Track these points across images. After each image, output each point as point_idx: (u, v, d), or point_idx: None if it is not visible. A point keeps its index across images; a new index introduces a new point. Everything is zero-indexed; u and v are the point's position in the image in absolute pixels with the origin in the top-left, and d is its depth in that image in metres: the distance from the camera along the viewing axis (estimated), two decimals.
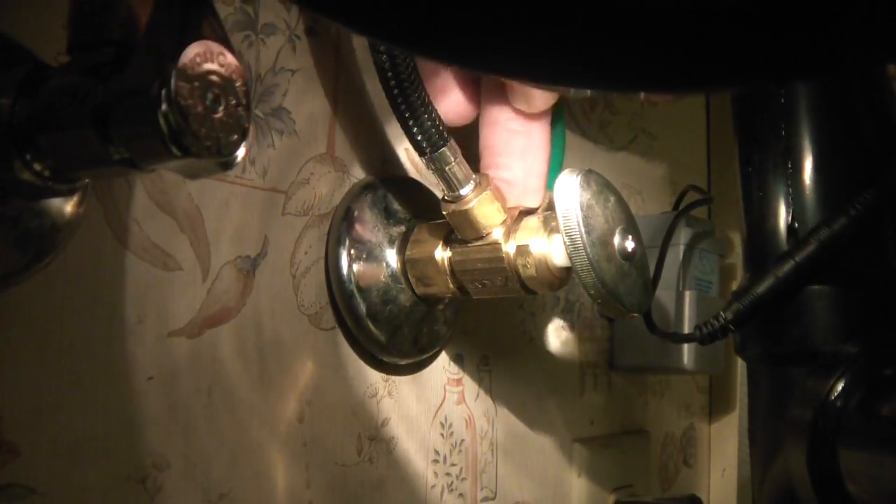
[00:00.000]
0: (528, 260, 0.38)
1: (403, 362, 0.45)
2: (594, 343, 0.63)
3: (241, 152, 0.24)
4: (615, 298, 0.37)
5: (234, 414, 0.37)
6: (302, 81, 0.41)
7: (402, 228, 0.43)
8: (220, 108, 0.24)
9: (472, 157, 0.51)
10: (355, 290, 0.41)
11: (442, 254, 0.41)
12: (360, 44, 0.44)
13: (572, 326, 0.61)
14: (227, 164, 0.24)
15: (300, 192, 0.41)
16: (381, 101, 0.43)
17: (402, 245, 0.43)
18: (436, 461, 0.48)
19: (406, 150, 0.47)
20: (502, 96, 0.39)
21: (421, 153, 0.37)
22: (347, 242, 0.41)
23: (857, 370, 0.41)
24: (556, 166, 0.51)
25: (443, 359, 0.49)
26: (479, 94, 0.40)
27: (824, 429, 0.41)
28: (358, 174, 0.44)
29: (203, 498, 0.36)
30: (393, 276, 0.42)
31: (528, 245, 0.38)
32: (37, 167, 0.26)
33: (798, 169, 0.45)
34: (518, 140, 0.39)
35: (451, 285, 0.41)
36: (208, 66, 0.23)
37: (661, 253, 0.58)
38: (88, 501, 0.31)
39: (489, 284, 0.40)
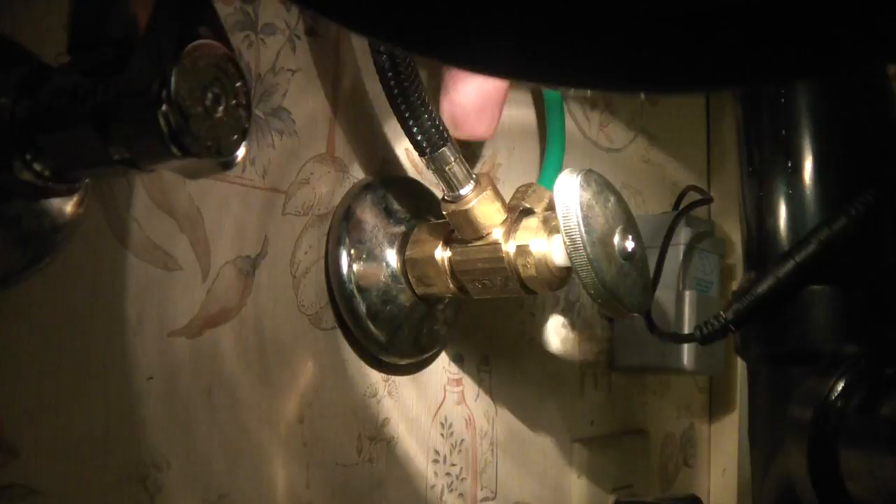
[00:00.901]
0: (528, 260, 0.38)
1: (403, 362, 0.45)
2: (594, 343, 0.63)
3: (241, 152, 0.24)
4: (615, 298, 0.37)
5: (235, 414, 0.37)
6: (302, 81, 0.41)
7: (402, 228, 0.43)
8: (220, 108, 0.24)
9: (472, 157, 0.51)
10: (355, 290, 0.41)
11: (442, 254, 0.41)
12: (360, 44, 0.44)
13: (572, 326, 0.61)
14: (227, 164, 0.24)
15: (300, 192, 0.41)
16: (381, 101, 0.43)
17: (402, 245, 0.43)
18: (436, 461, 0.48)
19: (406, 150, 0.47)
20: None
21: (421, 153, 0.37)
22: (347, 242, 0.41)
23: (857, 370, 0.41)
24: (556, 166, 0.51)
25: (443, 359, 0.49)
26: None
27: (824, 429, 0.41)
28: (358, 174, 0.44)
29: (203, 498, 0.36)
30: (393, 276, 0.42)
31: (528, 245, 0.38)
32: (37, 167, 0.26)
33: (798, 169, 0.45)
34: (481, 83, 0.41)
35: (451, 285, 0.41)
36: (208, 66, 0.23)
37: (661, 253, 0.58)
38: (88, 501, 0.31)
39: (489, 284, 0.40)
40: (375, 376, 0.44)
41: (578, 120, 0.62)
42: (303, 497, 0.40)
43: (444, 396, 0.49)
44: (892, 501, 0.39)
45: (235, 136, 0.24)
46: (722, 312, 0.45)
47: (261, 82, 0.39)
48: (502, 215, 0.39)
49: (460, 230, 0.40)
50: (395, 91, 0.35)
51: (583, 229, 0.36)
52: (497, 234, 0.39)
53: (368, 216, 0.42)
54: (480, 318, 0.52)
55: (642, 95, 0.64)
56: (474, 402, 0.51)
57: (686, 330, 0.60)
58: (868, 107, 0.46)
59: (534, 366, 0.57)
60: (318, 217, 0.42)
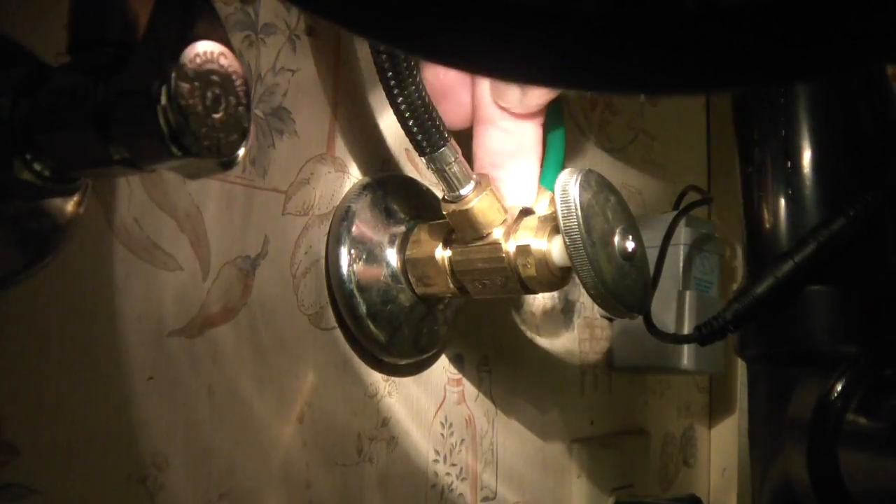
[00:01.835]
0: (528, 260, 0.38)
1: (403, 362, 0.45)
2: (594, 343, 0.63)
3: (241, 152, 0.24)
4: (615, 298, 0.37)
5: (234, 413, 0.37)
6: (302, 81, 0.41)
7: (402, 228, 0.43)
8: (220, 108, 0.24)
9: (472, 157, 0.51)
10: (355, 290, 0.41)
11: (442, 254, 0.41)
12: (360, 44, 0.44)
13: (572, 326, 0.61)
14: (227, 164, 0.24)
15: (300, 192, 0.41)
16: (381, 101, 0.43)
17: (402, 245, 0.43)
18: (436, 461, 0.48)
19: (406, 150, 0.47)
20: (497, 95, 0.39)
21: (421, 153, 0.37)
22: (347, 242, 0.41)
23: (857, 370, 0.41)
24: (555, 166, 0.51)
25: (443, 359, 0.49)
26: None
27: (824, 429, 0.41)
28: (358, 174, 0.44)
29: (203, 497, 0.36)
30: (393, 276, 0.42)
31: (528, 245, 0.38)
32: (37, 167, 0.26)
33: (798, 169, 0.45)
34: (511, 140, 0.40)
35: (451, 285, 0.41)
36: (208, 65, 0.23)
37: (661, 253, 0.58)
38: (88, 501, 0.31)
39: (489, 284, 0.40)
40: (375, 376, 0.44)
41: (578, 120, 0.62)
42: (303, 497, 0.40)
43: (444, 396, 0.49)
44: (892, 501, 0.39)
45: (235, 136, 0.24)
46: (721, 313, 0.45)
47: (261, 82, 0.39)
48: (502, 215, 0.39)
49: (460, 230, 0.40)
50: (395, 91, 0.35)
51: (583, 229, 0.36)
52: (497, 234, 0.39)
53: (368, 216, 0.42)
54: (480, 318, 0.52)
55: (642, 96, 0.64)
56: (474, 402, 0.51)
57: (686, 330, 0.60)
58: (868, 107, 0.46)
59: (534, 366, 0.57)
60: (318, 217, 0.42)
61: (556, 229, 0.38)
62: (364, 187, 0.43)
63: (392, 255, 0.42)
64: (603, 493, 0.62)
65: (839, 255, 0.43)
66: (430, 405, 0.48)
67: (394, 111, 0.36)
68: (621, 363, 0.64)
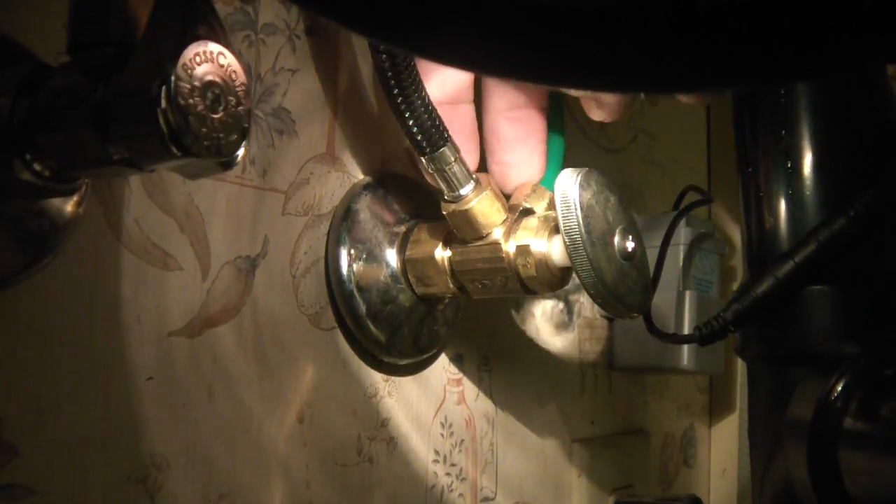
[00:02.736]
0: (528, 260, 0.38)
1: (403, 362, 0.45)
2: (594, 343, 0.63)
3: (241, 152, 0.24)
4: (615, 298, 0.37)
5: (235, 414, 0.37)
6: (302, 81, 0.41)
7: (402, 228, 0.43)
8: (220, 108, 0.24)
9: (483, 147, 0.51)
10: (355, 290, 0.41)
11: (442, 254, 0.41)
12: (360, 44, 0.44)
13: (572, 326, 0.61)
14: (227, 164, 0.24)
15: (300, 192, 0.41)
16: (381, 101, 0.43)
17: (402, 245, 0.43)
18: (436, 461, 0.48)
19: (406, 150, 0.47)
20: (503, 87, 0.42)
21: (421, 153, 0.37)
22: (347, 242, 0.41)
23: (857, 370, 0.41)
24: (555, 166, 0.51)
25: (443, 359, 0.49)
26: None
27: (824, 429, 0.41)
28: (358, 174, 0.44)
29: (203, 497, 0.36)
30: (393, 276, 0.42)
31: (528, 245, 0.38)
32: (37, 167, 0.26)
33: (798, 169, 0.45)
34: (519, 127, 0.42)
35: (451, 285, 0.41)
36: (208, 65, 0.23)
37: (661, 253, 0.58)
38: (88, 501, 0.31)
39: (489, 284, 0.40)
40: (375, 376, 0.44)
41: (578, 120, 0.62)
42: (303, 497, 0.40)
43: (444, 396, 0.49)
44: (892, 502, 0.39)
45: (235, 136, 0.24)
46: (721, 313, 0.45)
47: (261, 82, 0.39)
48: (502, 215, 0.39)
49: (460, 230, 0.40)
50: (395, 91, 0.35)
51: (583, 229, 0.36)
52: (497, 234, 0.39)
53: (368, 216, 0.42)
54: (480, 318, 0.52)
55: (642, 95, 0.64)
56: (474, 402, 0.51)
57: (686, 330, 0.60)
58: (868, 107, 0.46)
59: (534, 366, 0.57)
60: (318, 217, 0.42)
61: (556, 229, 0.38)
62: (364, 187, 0.43)
63: (392, 255, 0.42)
64: (603, 493, 0.62)
65: (839, 256, 0.43)
66: (429, 405, 0.48)
67: (393, 111, 0.36)
68: (621, 363, 0.64)
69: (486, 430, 0.52)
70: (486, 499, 0.52)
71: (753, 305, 0.44)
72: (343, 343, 0.43)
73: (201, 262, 0.36)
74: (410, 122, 0.36)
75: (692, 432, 0.77)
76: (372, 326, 0.41)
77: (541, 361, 0.57)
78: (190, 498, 0.35)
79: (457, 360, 0.50)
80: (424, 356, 0.46)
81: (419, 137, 0.36)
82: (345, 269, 0.41)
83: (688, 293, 0.61)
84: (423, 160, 0.37)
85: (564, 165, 0.43)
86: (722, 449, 0.80)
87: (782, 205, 0.45)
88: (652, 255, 0.54)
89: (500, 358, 0.53)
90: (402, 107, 0.35)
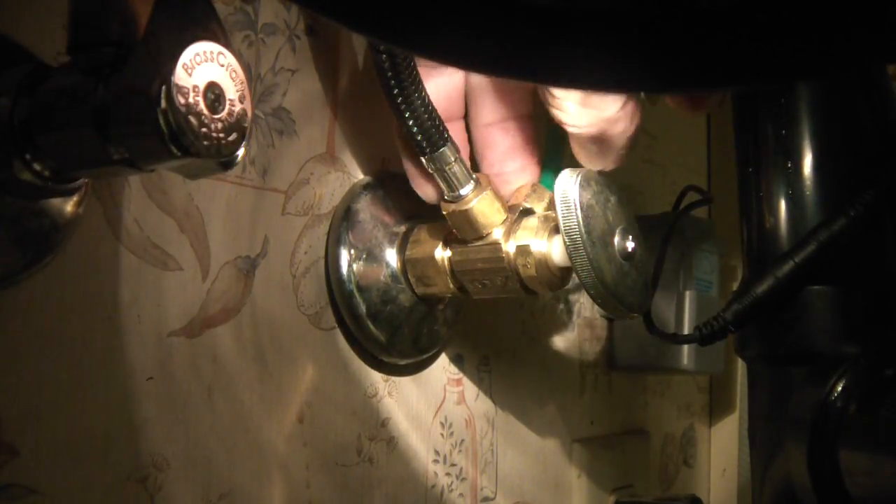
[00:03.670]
0: (528, 260, 0.38)
1: (403, 362, 0.45)
2: (594, 343, 0.63)
3: (240, 152, 0.24)
4: (615, 298, 0.37)
5: (234, 414, 0.37)
6: (302, 81, 0.41)
7: (402, 228, 0.43)
8: (220, 108, 0.24)
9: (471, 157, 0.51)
10: (355, 290, 0.41)
11: (442, 254, 0.41)
12: (360, 44, 0.44)
13: (572, 326, 0.61)
14: (227, 163, 0.24)
15: (300, 192, 0.41)
16: (381, 101, 0.42)
17: (402, 245, 0.43)
18: (436, 461, 0.48)
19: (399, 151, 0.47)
20: (492, 98, 0.41)
21: (421, 153, 0.37)
22: (347, 242, 0.41)
23: (857, 370, 0.41)
24: (555, 166, 0.51)
25: (443, 359, 0.49)
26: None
27: (824, 429, 0.41)
28: (358, 174, 0.44)
29: (203, 498, 0.36)
30: (393, 276, 0.42)
31: (528, 245, 0.38)
32: (37, 167, 0.26)
33: (798, 169, 0.45)
34: (515, 136, 0.42)
35: (451, 285, 0.41)
36: (208, 66, 0.23)
37: (661, 253, 0.58)
38: (88, 501, 0.31)
39: (489, 284, 0.40)
40: (375, 376, 0.44)
41: None
42: (303, 497, 0.40)
43: (444, 396, 0.49)
44: (892, 501, 0.39)
45: (235, 136, 0.24)
46: (721, 313, 0.45)
47: (261, 82, 0.39)
48: (502, 215, 0.39)
49: (460, 230, 0.40)
50: (395, 91, 0.35)
51: (583, 229, 0.36)
52: (497, 234, 0.39)
53: (368, 216, 0.42)
54: (480, 318, 0.52)
55: (642, 95, 0.64)
56: (474, 402, 0.51)
57: (686, 330, 0.60)
58: (868, 107, 0.46)
59: (534, 366, 0.57)
60: (318, 217, 0.42)
61: (556, 229, 0.38)
62: (364, 187, 0.43)
63: (392, 255, 0.42)
64: (603, 493, 0.62)
65: (839, 256, 0.43)
66: (429, 405, 0.48)
67: (393, 111, 0.36)
68: (621, 363, 0.64)
69: (486, 430, 0.52)
70: (486, 499, 0.52)
71: (753, 305, 0.44)
72: (343, 343, 0.43)
73: (201, 262, 0.36)
74: (410, 122, 0.36)
75: (692, 432, 0.77)
76: (372, 326, 0.41)
77: (541, 361, 0.57)
78: (190, 498, 0.35)
79: (457, 360, 0.50)
80: (424, 356, 0.46)
81: (419, 137, 0.36)
82: (345, 269, 0.41)
83: (688, 293, 0.61)
84: (423, 160, 0.37)
85: (564, 165, 0.43)
86: (722, 449, 0.80)
87: (782, 205, 0.45)
88: (652, 255, 0.54)
89: (500, 358, 0.53)
90: (402, 107, 0.35)
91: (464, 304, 0.48)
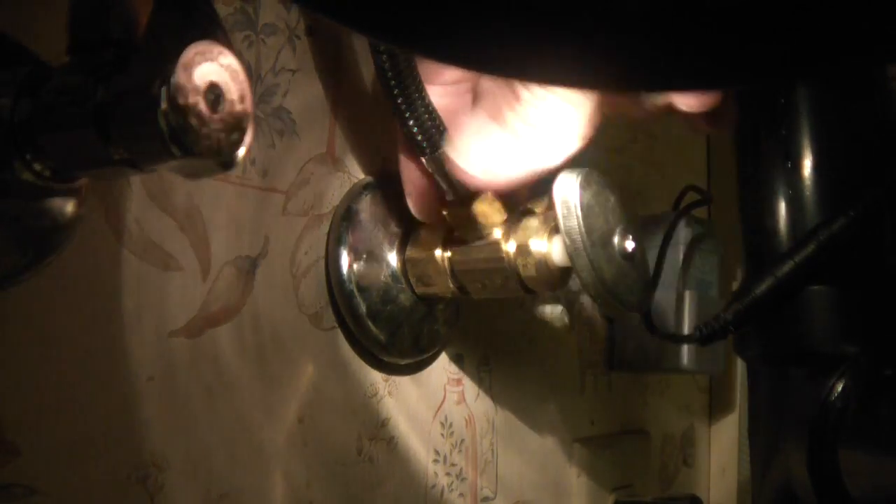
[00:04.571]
0: (528, 260, 0.38)
1: (403, 362, 0.45)
2: (594, 343, 0.63)
3: (241, 152, 0.24)
4: (615, 298, 0.37)
5: (235, 414, 0.37)
6: (302, 81, 0.41)
7: (403, 228, 0.43)
8: (221, 109, 0.24)
9: None
10: (355, 290, 0.41)
11: (442, 254, 0.41)
12: (360, 44, 0.44)
13: (572, 326, 0.61)
14: (228, 164, 0.24)
15: (300, 192, 0.41)
16: (382, 102, 0.43)
17: (402, 245, 0.43)
18: (436, 461, 0.48)
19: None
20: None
21: (421, 153, 0.37)
22: (347, 242, 0.41)
23: (857, 370, 0.41)
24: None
25: (443, 359, 0.49)
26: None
27: (824, 429, 0.41)
28: (358, 174, 0.44)
29: (203, 497, 0.36)
30: (393, 275, 0.42)
31: (528, 245, 0.38)
32: (37, 167, 0.26)
33: (798, 169, 0.45)
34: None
35: (451, 285, 0.41)
36: (209, 66, 0.23)
37: (661, 253, 0.58)
38: (89, 501, 0.31)
39: (489, 284, 0.40)
40: (375, 376, 0.44)
41: None
42: (303, 497, 0.40)
43: (445, 396, 0.49)
44: (891, 501, 0.39)
45: (235, 136, 0.24)
46: (721, 313, 0.45)
47: (261, 82, 0.39)
48: (502, 215, 0.39)
49: (460, 230, 0.40)
50: (395, 91, 0.35)
51: (583, 229, 0.36)
52: (497, 234, 0.39)
53: (369, 216, 0.42)
54: (480, 318, 0.52)
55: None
56: (474, 402, 0.51)
57: (686, 330, 0.60)
58: (868, 107, 0.46)
59: (534, 366, 0.57)
60: (318, 217, 0.42)
61: (555, 229, 0.38)
62: (364, 187, 0.43)
63: (392, 255, 0.43)
64: (603, 493, 0.62)
65: (839, 256, 0.43)
66: (430, 405, 0.48)
67: (394, 111, 0.36)
68: (621, 363, 0.64)
69: (486, 430, 0.52)
70: (485, 498, 0.52)
71: (753, 305, 0.44)
72: (343, 343, 0.43)
73: (202, 262, 0.36)
74: (411, 122, 0.36)
75: (692, 432, 0.78)
76: (372, 326, 0.41)
77: (541, 361, 0.57)
78: (190, 498, 0.35)
79: (457, 359, 0.50)
80: (424, 356, 0.46)
81: (419, 137, 0.36)
82: (345, 269, 0.41)
83: (688, 293, 0.61)
84: (424, 160, 0.37)
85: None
86: (722, 449, 0.80)
87: (782, 205, 0.45)
88: (652, 255, 0.54)
89: (500, 358, 0.53)
90: (403, 107, 0.35)
91: (464, 304, 0.48)
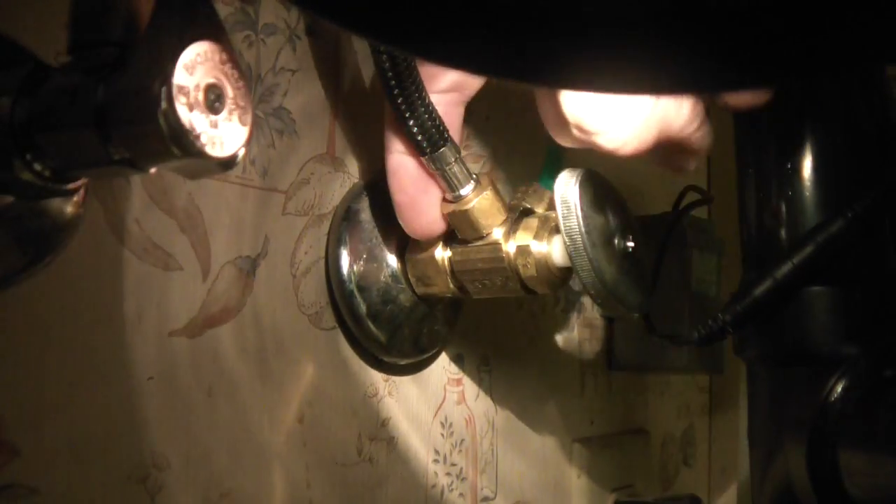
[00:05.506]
0: (528, 260, 0.38)
1: (404, 362, 0.45)
2: (594, 343, 0.63)
3: (241, 152, 0.24)
4: (615, 298, 0.37)
5: (235, 413, 0.37)
6: (302, 81, 0.41)
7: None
8: (221, 108, 0.24)
9: (472, 157, 0.51)
10: (355, 290, 0.41)
11: (442, 254, 0.41)
12: (360, 44, 0.44)
13: (572, 326, 0.61)
14: (228, 163, 0.24)
15: (300, 192, 0.41)
16: (381, 101, 0.43)
17: (402, 245, 0.43)
18: (436, 461, 0.48)
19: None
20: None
21: (421, 153, 0.37)
22: (348, 242, 0.41)
23: (857, 371, 0.41)
24: (556, 166, 0.51)
25: (443, 359, 0.49)
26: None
27: (824, 429, 0.41)
28: (358, 174, 0.44)
29: (203, 497, 0.36)
30: (393, 275, 0.42)
31: (528, 245, 0.38)
32: (37, 167, 0.26)
33: (797, 169, 0.45)
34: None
35: (451, 285, 0.41)
36: (208, 65, 0.23)
37: (661, 253, 0.58)
38: (89, 501, 0.31)
39: (489, 284, 0.40)
40: (375, 376, 0.44)
41: None
42: (303, 497, 0.40)
43: (445, 396, 0.49)
44: (891, 501, 0.39)
45: (235, 136, 0.24)
46: (720, 314, 0.45)
47: (261, 82, 0.39)
48: (502, 215, 0.39)
49: (460, 230, 0.40)
50: (395, 91, 0.35)
51: (583, 229, 0.36)
52: (497, 234, 0.39)
53: (369, 216, 0.42)
54: (480, 318, 0.52)
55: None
56: (474, 402, 0.51)
57: (686, 330, 0.60)
58: (868, 107, 0.46)
59: (534, 366, 0.57)
60: (318, 217, 0.42)
61: (556, 229, 0.38)
62: (364, 187, 0.43)
63: (392, 256, 0.43)
64: (603, 493, 0.62)
65: (838, 257, 0.43)
66: (430, 405, 0.48)
67: (393, 111, 0.36)
68: (621, 363, 0.64)
69: (486, 430, 0.52)
70: (485, 498, 0.52)
71: (752, 306, 0.44)
72: (343, 343, 0.43)
73: (202, 262, 0.36)
74: (411, 123, 0.36)
75: (692, 432, 0.78)
76: (372, 326, 0.41)
77: (541, 361, 0.57)
78: (190, 498, 0.35)
79: (457, 360, 0.50)
80: (424, 356, 0.46)
81: (419, 137, 0.36)
82: (345, 269, 0.41)
83: (687, 293, 0.61)
84: (424, 160, 0.37)
85: (565, 165, 0.43)
86: (722, 449, 0.80)
87: (782, 205, 0.45)
88: (652, 255, 0.54)
89: (500, 358, 0.53)
90: (403, 107, 0.35)
91: (464, 304, 0.48)
